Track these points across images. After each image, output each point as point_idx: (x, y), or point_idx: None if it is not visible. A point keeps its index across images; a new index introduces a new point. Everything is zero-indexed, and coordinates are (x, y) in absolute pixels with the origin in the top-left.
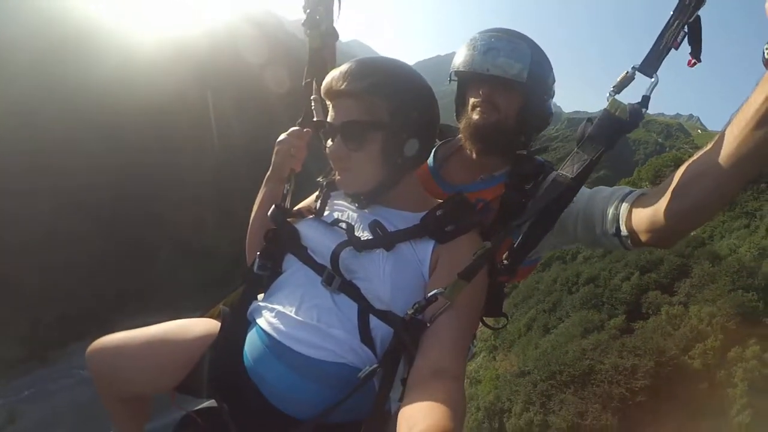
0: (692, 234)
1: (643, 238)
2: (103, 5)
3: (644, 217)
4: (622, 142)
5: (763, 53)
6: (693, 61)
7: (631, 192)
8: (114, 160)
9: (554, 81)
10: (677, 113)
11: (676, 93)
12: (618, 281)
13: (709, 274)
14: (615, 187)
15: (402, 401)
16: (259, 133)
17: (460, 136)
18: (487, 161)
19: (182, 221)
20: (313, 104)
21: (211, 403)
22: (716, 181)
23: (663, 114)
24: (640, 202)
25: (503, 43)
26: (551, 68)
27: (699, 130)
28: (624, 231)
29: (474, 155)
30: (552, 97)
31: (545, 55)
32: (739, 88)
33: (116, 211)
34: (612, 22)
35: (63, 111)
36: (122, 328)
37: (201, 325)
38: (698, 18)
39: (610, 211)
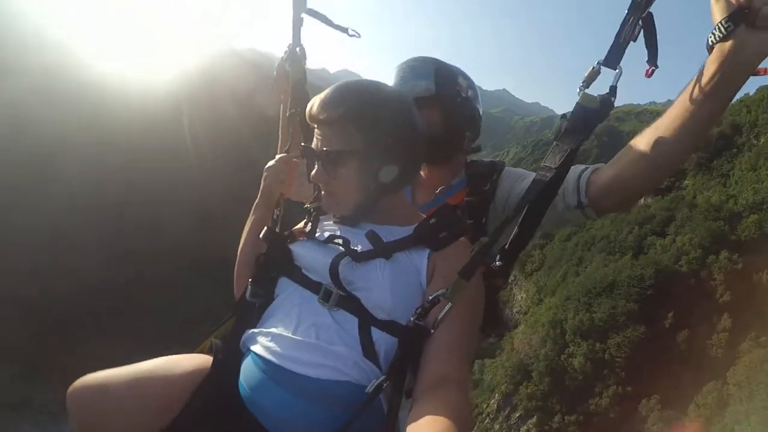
0: (677, 194)
1: (605, 203)
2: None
3: (604, 183)
4: (617, 136)
5: (707, 40)
6: (651, 69)
7: (587, 167)
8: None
9: (467, 82)
10: (668, 99)
11: (665, 80)
12: (624, 235)
13: (688, 216)
14: None
15: (408, 413)
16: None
17: None
18: (439, 175)
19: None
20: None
21: None
22: (670, 146)
23: (654, 102)
24: (598, 172)
25: (405, 70)
26: (458, 74)
27: None
28: (585, 201)
29: (426, 172)
30: (469, 96)
31: (449, 66)
32: None
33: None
34: (600, 24)
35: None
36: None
37: (191, 361)
38: (650, 15)
39: (570, 185)
